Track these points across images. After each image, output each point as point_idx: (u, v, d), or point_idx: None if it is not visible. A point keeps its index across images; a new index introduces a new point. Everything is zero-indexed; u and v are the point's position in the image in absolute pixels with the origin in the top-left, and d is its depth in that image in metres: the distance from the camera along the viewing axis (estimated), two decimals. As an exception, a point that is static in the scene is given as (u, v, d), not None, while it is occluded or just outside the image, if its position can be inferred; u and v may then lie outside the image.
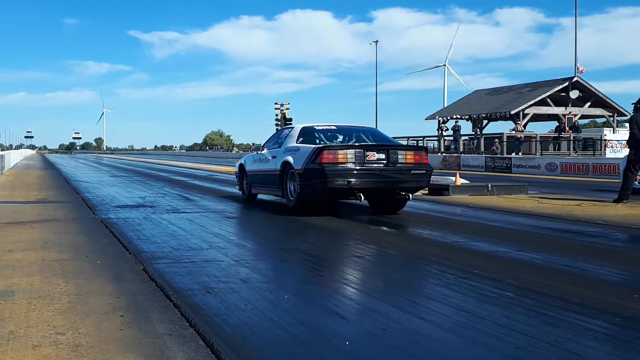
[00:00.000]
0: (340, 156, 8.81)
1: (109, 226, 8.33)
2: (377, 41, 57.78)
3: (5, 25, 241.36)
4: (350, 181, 8.74)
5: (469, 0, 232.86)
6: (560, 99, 37.21)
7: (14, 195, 13.57)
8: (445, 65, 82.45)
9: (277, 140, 10.98)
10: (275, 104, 29.20)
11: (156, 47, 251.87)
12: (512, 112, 36.11)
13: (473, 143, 38.08)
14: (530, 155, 31.48)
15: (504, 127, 40.84)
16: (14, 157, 35.28)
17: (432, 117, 44.00)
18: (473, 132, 40.24)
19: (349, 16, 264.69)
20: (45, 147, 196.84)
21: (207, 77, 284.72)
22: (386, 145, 9.47)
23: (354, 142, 9.86)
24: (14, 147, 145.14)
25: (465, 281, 5.03)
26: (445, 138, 40.72)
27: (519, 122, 36.09)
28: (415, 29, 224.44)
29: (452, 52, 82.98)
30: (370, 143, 9.81)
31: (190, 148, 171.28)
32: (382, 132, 11.07)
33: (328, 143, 9.71)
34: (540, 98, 36.37)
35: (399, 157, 9.13)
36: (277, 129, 29.08)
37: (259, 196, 12.47)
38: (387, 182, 9.09)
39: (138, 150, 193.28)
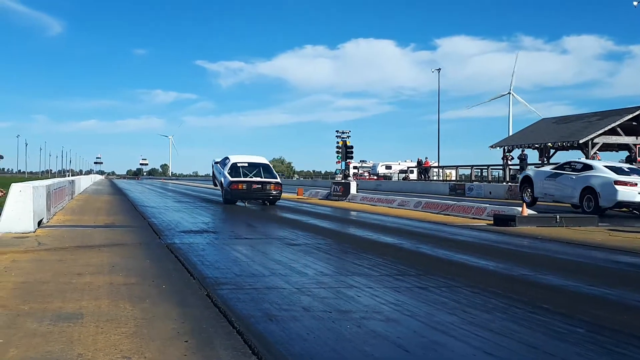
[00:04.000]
0: (240, 185, 19.94)
1: (174, 251, 8.50)
2: (440, 69, 57.61)
3: (79, 56, 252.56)
4: (243, 193, 19.90)
5: (535, 28, 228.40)
6: (631, 128, 35.99)
7: (83, 219, 14.04)
8: (510, 93, 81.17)
9: (223, 165, 21.75)
10: (337, 131, 29.16)
11: (222, 76, 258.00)
12: (581, 142, 35.13)
13: (539, 172, 37.16)
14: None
15: (572, 157, 39.59)
16: (83, 183, 36.58)
17: (497, 146, 43.28)
18: (540, 162, 39.30)
19: (412, 44, 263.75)
20: (113, 173, 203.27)
21: (270, 105, 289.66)
22: (263, 181, 20.02)
23: (253, 176, 20.28)
24: (83, 173, 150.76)
25: (534, 316, 4.87)
26: (510, 167, 39.92)
27: (596, 152, 35.12)
28: (480, 57, 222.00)
29: (516, 80, 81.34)
30: (254, 179, 20.12)
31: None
32: (272, 168, 21.57)
33: (241, 176, 20.26)
34: (610, 127, 35.28)
35: (267, 186, 19.98)
36: (337, 157, 29.15)
37: (318, 224, 12.53)
38: (258, 194, 20.15)
39: (202, 176, 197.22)
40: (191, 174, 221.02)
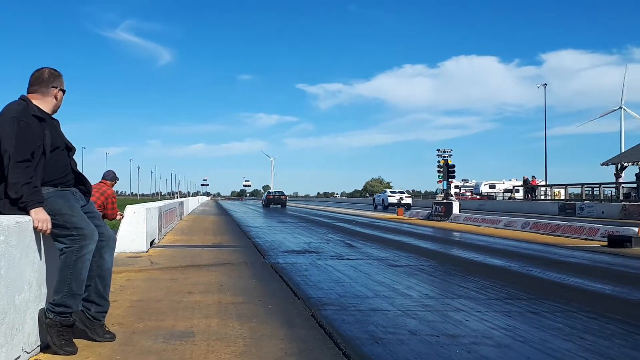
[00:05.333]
0: (270, 196, 53.13)
1: (278, 271, 8.65)
2: (546, 84, 55.83)
3: (188, 83, 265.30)
4: (271, 201, 51.56)
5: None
6: None
7: (192, 239, 14.56)
8: (621, 108, 77.06)
9: (264, 193, 68.69)
10: (438, 150, 28.78)
11: (321, 99, 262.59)
12: (703, 157, 32.81)
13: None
14: None
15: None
16: (191, 204, 38.07)
17: (608, 163, 41.18)
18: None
19: (516, 60, 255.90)
20: (218, 194, 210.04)
21: (368, 126, 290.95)
22: (278, 195, 52.73)
23: (274, 194, 54.07)
24: (191, 194, 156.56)
25: (660, 345, 4.54)
26: (623, 185, 37.80)
27: None
28: (589, 71, 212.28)
29: (629, 94, 76.34)
30: (274, 195, 53.72)
31: (351, 195, 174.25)
32: (283, 192, 54.80)
33: (271, 195, 54.74)
34: None
35: (281, 196, 52.36)
36: (439, 176, 28.72)
37: (421, 245, 12.31)
38: (277, 201, 51.44)
39: (302, 197, 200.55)
40: (291, 194, 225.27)
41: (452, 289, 7.50)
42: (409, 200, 45.15)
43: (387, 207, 44.15)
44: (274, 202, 50.94)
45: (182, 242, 13.50)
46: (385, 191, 50.30)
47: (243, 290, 6.83)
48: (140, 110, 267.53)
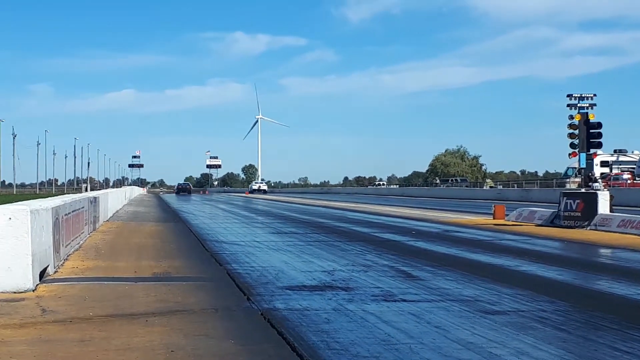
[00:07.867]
0: (179, 186, 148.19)
1: (276, 324, 8.64)
2: None
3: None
4: (180, 190, 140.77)
5: None
6: None
7: (116, 266, 14.61)
8: None
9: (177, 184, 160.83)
10: (568, 97, 28.49)
11: (349, 5, 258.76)
12: None
13: None
14: None
15: None
16: (113, 201, 37.99)
17: None
18: None
19: None
20: (162, 183, 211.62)
21: (438, 53, 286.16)
22: (185, 185, 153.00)
23: (183, 185, 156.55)
24: (112, 184, 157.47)
25: None
26: None
27: None
28: None
29: None
30: (183, 185, 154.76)
31: (407, 181, 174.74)
32: (189, 184, 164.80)
33: (180, 185, 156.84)
34: None
35: (186, 186, 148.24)
36: (573, 144, 28.41)
37: (539, 273, 12.30)
38: (184, 190, 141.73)
39: (315, 185, 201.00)
40: (296, 182, 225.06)
41: (600, 356, 7.43)
42: (264, 187, 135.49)
43: (253, 192, 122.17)
44: (182, 191, 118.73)
45: (98, 272, 13.56)
46: (252, 181, 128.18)
47: (213, 362, 6.80)
48: (14, 33, 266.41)
